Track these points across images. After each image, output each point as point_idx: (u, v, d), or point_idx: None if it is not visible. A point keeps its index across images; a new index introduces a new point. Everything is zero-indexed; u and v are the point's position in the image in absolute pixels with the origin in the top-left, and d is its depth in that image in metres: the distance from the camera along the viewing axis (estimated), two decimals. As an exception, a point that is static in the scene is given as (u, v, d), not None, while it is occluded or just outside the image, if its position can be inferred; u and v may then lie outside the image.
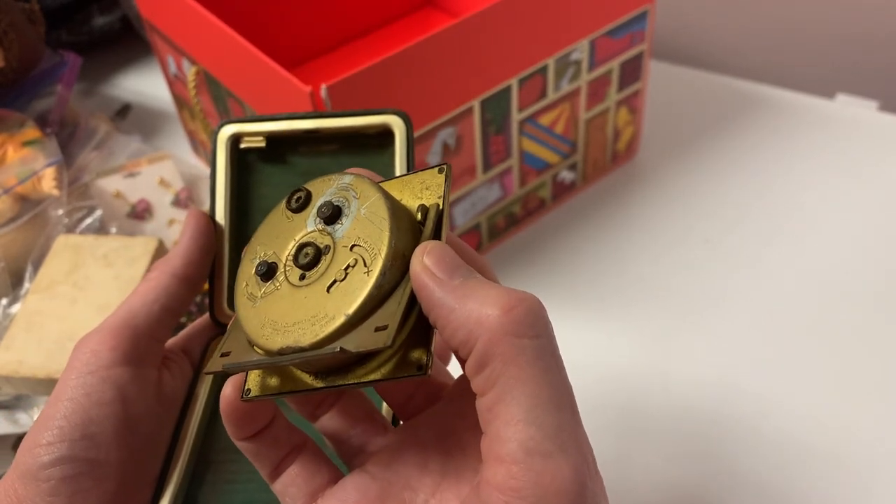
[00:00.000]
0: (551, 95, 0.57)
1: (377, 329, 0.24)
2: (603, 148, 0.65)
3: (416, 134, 0.51)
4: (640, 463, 0.48)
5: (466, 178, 0.56)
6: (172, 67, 0.64)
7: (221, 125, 0.35)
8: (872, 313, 0.55)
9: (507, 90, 0.54)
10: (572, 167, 0.64)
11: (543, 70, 0.55)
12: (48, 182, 0.63)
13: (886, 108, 0.73)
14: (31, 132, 0.66)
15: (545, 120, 0.58)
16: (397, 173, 0.34)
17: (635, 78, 0.63)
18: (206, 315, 0.36)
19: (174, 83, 0.67)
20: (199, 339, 0.36)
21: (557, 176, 0.63)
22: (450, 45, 0.48)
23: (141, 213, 0.64)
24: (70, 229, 0.62)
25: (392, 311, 0.24)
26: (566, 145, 0.62)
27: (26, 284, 0.58)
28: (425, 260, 0.25)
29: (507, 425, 0.23)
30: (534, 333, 0.23)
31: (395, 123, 0.35)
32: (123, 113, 0.79)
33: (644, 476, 0.47)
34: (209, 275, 0.35)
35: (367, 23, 0.75)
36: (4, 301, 0.58)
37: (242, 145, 0.36)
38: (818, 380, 0.52)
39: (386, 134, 0.35)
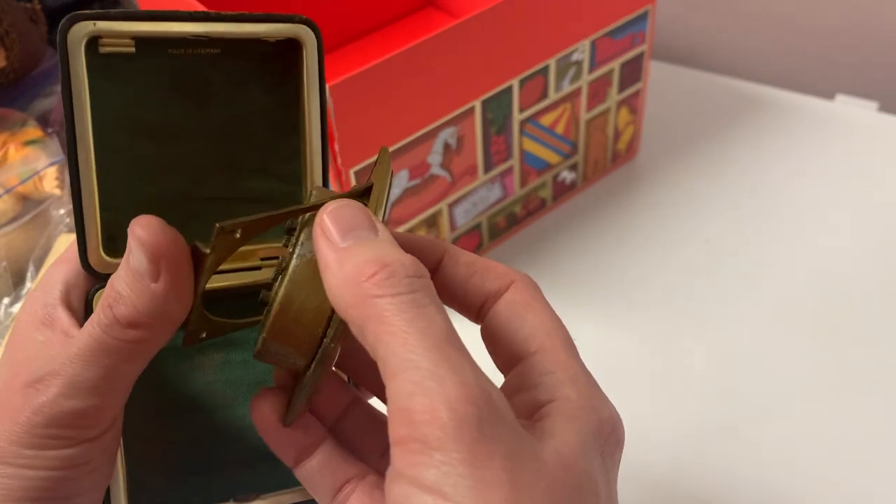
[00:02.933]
0: (552, 96, 0.57)
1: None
2: (603, 148, 0.65)
3: (418, 134, 0.51)
4: (639, 463, 0.48)
5: (467, 178, 0.56)
6: (174, 67, 0.64)
7: (70, 21, 0.27)
8: (873, 313, 0.56)
9: (509, 90, 0.54)
10: (573, 167, 0.64)
11: (544, 70, 0.55)
12: (50, 181, 0.63)
13: (886, 109, 0.73)
14: (33, 132, 0.66)
15: (546, 120, 0.59)
16: (305, 99, 0.30)
17: (636, 78, 0.63)
18: (76, 264, 0.30)
19: (175, 83, 0.67)
20: (78, 291, 0.29)
21: (558, 176, 0.63)
22: (451, 46, 0.49)
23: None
24: (72, 229, 0.63)
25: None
26: (567, 145, 0.62)
27: (28, 284, 0.58)
28: (324, 217, 0.24)
29: (391, 383, 0.21)
30: (392, 292, 0.22)
31: (305, 34, 0.30)
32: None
33: (644, 476, 0.48)
34: (75, 210, 0.29)
35: (368, 23, 0.75)
36: (6, 300, 0.58)
37: (103, 50, 0.28)
38: (818, 380, 0.52)
39: (289, 45, 0.30)
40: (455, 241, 0.59)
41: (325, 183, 0.31)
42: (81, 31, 0.27)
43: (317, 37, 0.30)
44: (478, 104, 0.53)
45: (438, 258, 0.28)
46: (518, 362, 0.26)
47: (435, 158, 0.53)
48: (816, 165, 0.67)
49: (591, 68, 0.59)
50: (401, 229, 0.54)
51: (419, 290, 0.22)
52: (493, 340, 0.27)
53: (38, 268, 0.59)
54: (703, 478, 0.47)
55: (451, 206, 0.57)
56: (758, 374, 0.52)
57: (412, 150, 0.51)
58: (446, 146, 0.53)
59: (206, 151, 0.30)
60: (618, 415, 0.26)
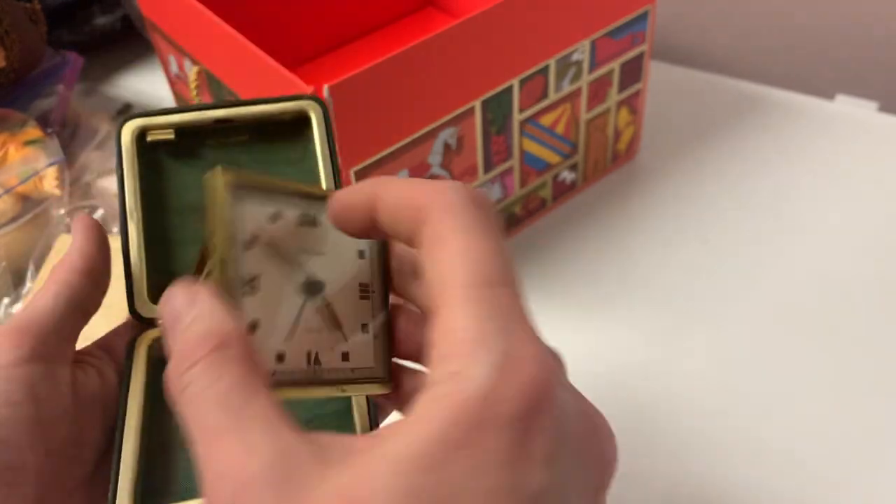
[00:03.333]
0: (552, 96, 0.57)
1: None
2: (603, 148, 0.65)
3: (418, 134, 0.51)
4: (639, 462, 0.48)
5: (467, 178, 0.56)
6: (174, 67, 0.64)
7: (125, 120, 0.34)
8: (872, 313, 0.56)
9: (509, 90, 0.54)
10: (573, 167, 0.64)
11: (544, 70, 0.55)
12: (50, 181, 0.63)
13: (886, 109, 0.73)
14: (33, 132, 0.66)
15: (546, 120, 0.58)
16: (319, 161, 0.34)
17: (636, 78, 0.63)
18: (127, 319, 0.34)
19: (176, 83, 0.67)
20: (121, 336, 0.34)
21: (558, 176, 0.63)
22: (451, 46, 0.49)
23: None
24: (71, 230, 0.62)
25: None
26: (567, 146, 0.62)
27: (28, 284, 0.58)
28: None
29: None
30: (182, 390, 0.22)
31: (312, 108, 0.34)
32: (125, 112, 0.79)
33: (644, 475, 0.48)
34: (125, 270, 0.34)
35: (368, 23, 0.75)
36: (6, 301, 0.58)
37: (150, 138, 0.34)
38: (818, 379, 0.52)
39: (302, 121, 0.34)
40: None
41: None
42: (133, 125, 0.33)
43: (323, 110, 0.34)
44: (478, 104, 0.53)
45: (371, 211, 0.25)
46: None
47: (435, 158, 0.53)
48: (816, 165, 0.67)
49: (591, 68, 0.59)
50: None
51: (197, 379, 0.21)
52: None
53: (37, 268, 0.59)
54: (703, 477, 0.47)
55: (451, 206, 0.57)
56: (758, 374, 0.52)
57: (412, 150, 0.51)
58: (446, 146, 0.53)
59: None
60: (534, 370, 0.20)
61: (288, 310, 0.28)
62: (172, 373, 0.22)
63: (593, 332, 0.56)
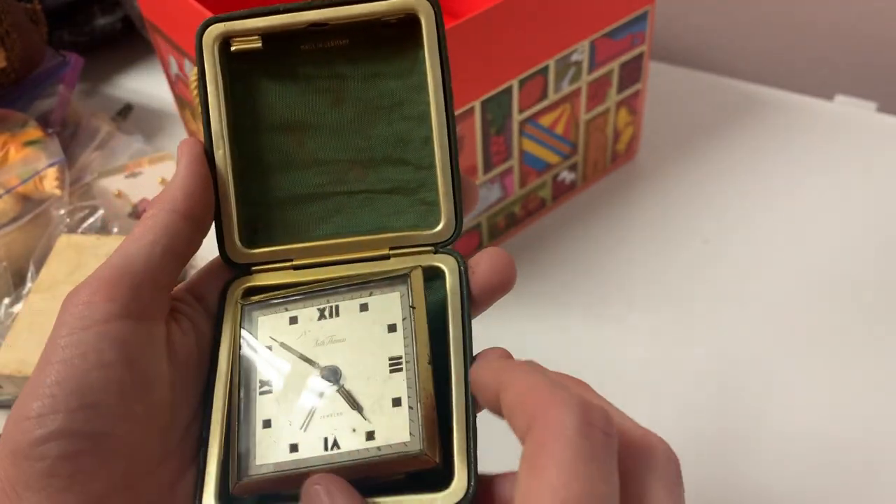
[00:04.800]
0: (552, 96, 0.57)
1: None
2: (603, 148, 0.66)
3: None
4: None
5: (467, 178, 0.56)
6: (174, 68, 0.65)
7: (205, 25, 0.29)
8: (873, 313, 0.56)
9: (508, 91, 0.54)
10: (572, 167, 0.64)
11: (544, 71, 0.55)
12: (50, 182, 0.63)
13: (885, 110, 0.73)
14: (33, 132, 0.66)
15: (546, 121, 0.59)
16: (428, 73, 0.30)
17: (635, 79, 0.63)
18: (217, 256, 0.31)
19: (176, 83, 0.67)
20: (213, 281, 0.31)
21: (557, 176, 0.63)
22: (451, 46, 0.48)
23: (142, 213, 0.64)
24: (72, 229, 0.63)
25: None
26: (566, 146, 0.62)
27: (28, 284, 0.59)
28: None
29: None
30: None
31: (422, 9, 0.29)
32: (125, 113, 0.79)
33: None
34: (215, 209, 0.30)
35: (367, 23, 0.75)
36: (7, 301, 0.58)
37: (234, 48, 0.30)
38: (818, 379, 0.52)
39: (410, 23, 0.30)
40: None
41: (455, 165, 0.30)
42: (213, 32, 0.29)
43: (435, 11, 0.30)
44: (477, 104, 0.53)
45: (496, 395, 0.25)
46: None
47: (435, 159, 0.53)
48: (816, 165, 0.67)
49: (591, 69, 0.59)
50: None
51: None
52: None
53: (38, 268, 0.59)
54: (703, 477, 0.47)
55: (451, 206, 0.57)
56: (757, 374, 0.52)
57: (412, 151, 0.51)
58: (446, 146, 0.53)
59: (343, 145, 0.31)
60: None
61: (303, 402, 0.27)
62: None
63: (593, 330, 0.56)
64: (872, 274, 0.58)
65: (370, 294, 0.29)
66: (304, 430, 0.27)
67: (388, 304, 0.29)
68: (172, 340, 0.28)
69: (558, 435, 0.21)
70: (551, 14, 0.53)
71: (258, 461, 0.27)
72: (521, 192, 0.61)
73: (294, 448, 0.27)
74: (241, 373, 0.28)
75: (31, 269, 0.59)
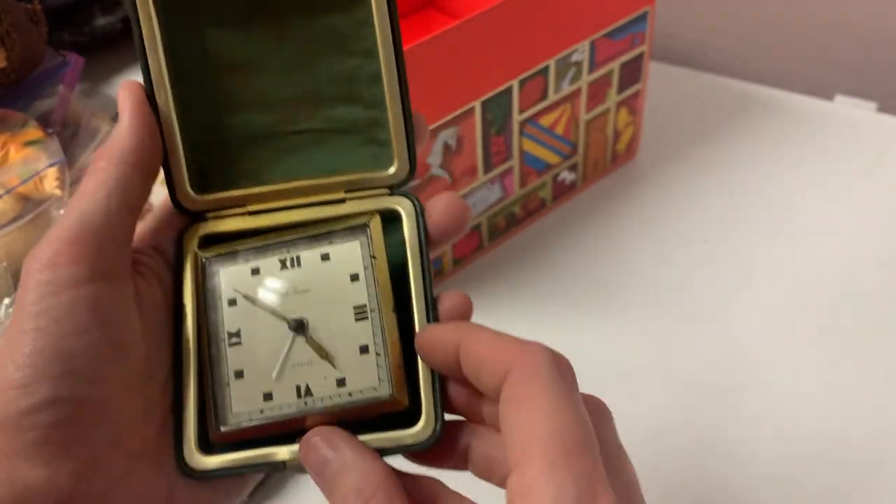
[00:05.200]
0: (552, 96, 0.58)
1: None
2: (603, 149, 0.66)
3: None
4: (639, 462, 0.48)
5: (467, 178, 0.56)
6: (174, 68, 0.65)
7: None
8: (872, 313, 0.56)
9: (508, 91, 0.54)
10: (572, 168, 0.64)
11: (544, 71, 0.55)
12: (50, 182, 0.63)
13: (885, 110, 0.74)
14: (34, 132, 0.66)
15: (546, 121, 0.59)
16: (372, 6, 0.29)
17: (635, 79, 0.63)
18: (167, 202, 0.31)
19: (176, 83, 0.67)
20: (167, 230, 0.30)
21: (558, 176, 0.64)
22: (451, 47, 0.49)
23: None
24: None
25: None
26: (566, 146, 0.62)
27: (28, 284, 0.58)
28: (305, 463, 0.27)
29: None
30: None
31: None
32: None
33: (644, 475, 0.48)
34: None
35: (368, 23, 0.75)
36: (7, 301, 0.58)
37: None
38: (818, 379, 0.52)
39: None
40: (455, 241, 0.59)
41: (406, 104, 0.30)
42: None
43: None
44: (477, 105, 0.53)
45: (456, 354, 0.26)
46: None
47: (434, 159, 0.53)
48: (816, 166, 0.67)
49: (591, 69, 0.59)
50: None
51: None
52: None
53: (38, 268, 0.59)
54: (703, 477, 0.47)
55: (451, 206, 0.57)
56: (757, 374, 0.52)
57: (412, 151, 0.51)
58: (446, 147, 0.53)
59: (289, 83, 0.30)
60: None
61: (273, 352, 0.28)
62: None
63: (593, 331, 0.56)
64: (872, 274, 0.58)
65: (330, 244, 0.29)
66: (277, 380, 0.28)
67: (350, 254, 0.29)
68: (141, 295, 0.28)
69: (539, 373, 0.23)
70: (551, 14, 0.53)
71: (235, 410, 0.28)
72: (521, 193, 0.61)
73: (268, 396, 0.28)
74: (209, 325, 0.29)
75: (32, 269, 0.59)
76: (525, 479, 0.22)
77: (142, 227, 0.30)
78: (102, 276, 0.26)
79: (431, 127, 0.51)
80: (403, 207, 0.30)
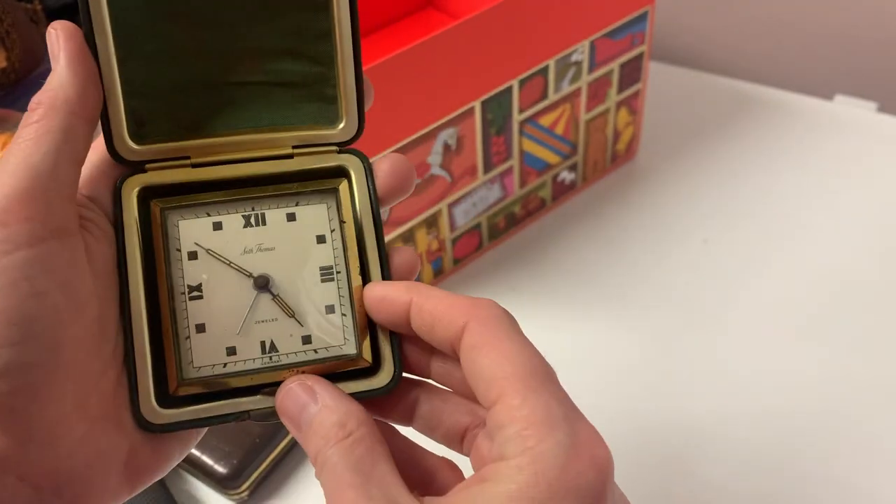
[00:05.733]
0: (552, 96, 0.58)
1: None
2: (603, 148, 0.66)
3: (418, 134, 0.51)
4: (639, 461, 0.48)
5: (467, 178, 0.56)
6: (174, 68, 0.65)
7: None
8: (872, 313, 0.56)
9: (508, 91, 0.54)
10: (572, 168, 0.64)
11: (544, 71, 0.55)
12: (50, 182, 0.63)
13: (885, 110, 0.74)
14: (34, 132, 0.66)
15: (546, 121, 0.59)
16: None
17: (635, 79, 0.63)
18: (101, 151, 0.29)
19: (176, 83, 0.67)
20: (103, 180, 0.29)
21: (557, 176, 0.64)
22: (451, 47, 0.49)
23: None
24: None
25: None
26: (566, 146, 0.62)
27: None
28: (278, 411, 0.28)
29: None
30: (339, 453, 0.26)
31: None
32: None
33: (644, 475, 0.48)
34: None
35: (368, 24, 0.75)
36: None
37: None
38: (817, 379, 0.52)
39: None
40: (455, 241, 0.59)
41: (357, 62, 0.30)
42: None
43: None
44: (477, 104, 0.53)
45: (406, 311, 0.28)
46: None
47: (435, 159, 0.53)
48: (816, 165, 0.67)
49: (591, 69, 0.59)
50: (401, 230, 0.54)
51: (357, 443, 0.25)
52: (471, 395, 0.27)
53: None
54: (702, 477, 0.47)
55: (451, 206, 0.57)
56: (757, 374, 0.52)
57: (412, 151, 0.51)
58: (446, 146, 0.53)
59: (234, 35, 0.30)
60: (601, 452, 0.24)
61: (237, 307, 0.29)
62: (313, 456, 0.26)
63: (593, 331, 0.56)
64: (872, 273, 0.58)
65: (297, 204, 0.30)
66: (240, 335, 0.28)
67: (316, 216, 0.30)
68: (91, 251, 0.27)
69: (499, 320, 0.26)
70: (551, 14, 0.53)
71: (196, 363, 0.28)
72: (521, 192, 0.61)
73: (232, 351, 0.28)
74: (169, 279, 0.28)
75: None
76: (511, 406, 0.24)
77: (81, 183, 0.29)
78: (54, 234, 0.25)
79: (431, 127, 0.51)
80: (352, 166, 0.30)
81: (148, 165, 0.29)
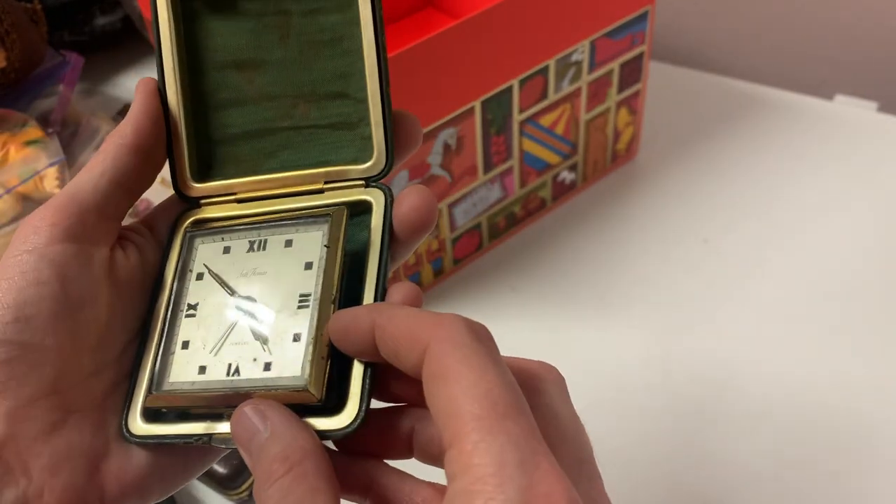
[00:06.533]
0: (552, 96, 0.58)
1: None
2: (603, 148, 0.66)
3: (418, 134, 0.51)
4: (639, 461, 0.48)
5: (467, 178, 0.56)
6: (174, 68, 0.65)
7: None
8: (872, 313, 0.56)
9: (509, 91, 0.54)
10: (572, 167, 0.64)
11: (544, 71, 0.55)
12: (50, 181, 0.63)
13: (885, 109, 0.74)
14: (34, 132, 0.66)
15: (546, 121, 0.59)
16: (360, 5, 0.31)
17: (635, 79, 0.63)
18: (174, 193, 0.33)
19: (176, 83, 0.67)
20: (166, 213, 0.33)
21: (558, 176, 0.64)
22: (451, 46, 0.49)
23: (142, 212, 0.64)
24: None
25: None
26: (566, 146, 0.62)
27: (28, 284, 0.58)
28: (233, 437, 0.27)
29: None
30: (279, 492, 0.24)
31: None
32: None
33: (642, 474, 0.48)
34: (167, 145, 0.32)
35: (368, 23, 0.75)
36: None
37: None
38: (817, 379, 0.52)
39: None
40: (455, 241, 0.59)
41: (386, 100, 0.31)
42: None
43: None
44: (477, 104, 0.53)
45: (371, 337, 0.26)
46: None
47: (435, 159, 0.53)
48: (816, 165, 0.67)
49: (591, 69, 0.59)
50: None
51: (298, 475, 0.24)
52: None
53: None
54: (702, 477, 0.47)
55: (451, 206, 0.57)
56: (757, 374, 0.52)
57: (412, 151, 0.51)
58: (446, 146, 0.53)
59: (290, 80, 0.32)
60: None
61: (219, 328, 0.29)
62: (256, 490, 0.25)
63: (593, 331, 0.56)
64: (873, 273, 0.58)
65: (296, 231, 0.30)
66: (214, 355, 0.29)
67: (311, 242, 0.30)
68: (115, 264, 0.30)
69: (457, 344, 0.23)
70: (551, 14, 0.53)
71: (171, 378, 0.29)
72: (521, 192, 0.61)
73: (202, 370, 0.29)
74: (174, 296, 0.30)
75: (32, 268, 0.59)
76: (463, 452, 0.21)
77: (147, 213, 0.33)
78: (74, 239, 0.28)
79: (431, 127, 0.51)
80: (375, 198, 0.31)
81: (203, 201, 0.32)
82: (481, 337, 0.23)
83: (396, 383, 0.28)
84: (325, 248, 0.29)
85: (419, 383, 0.25)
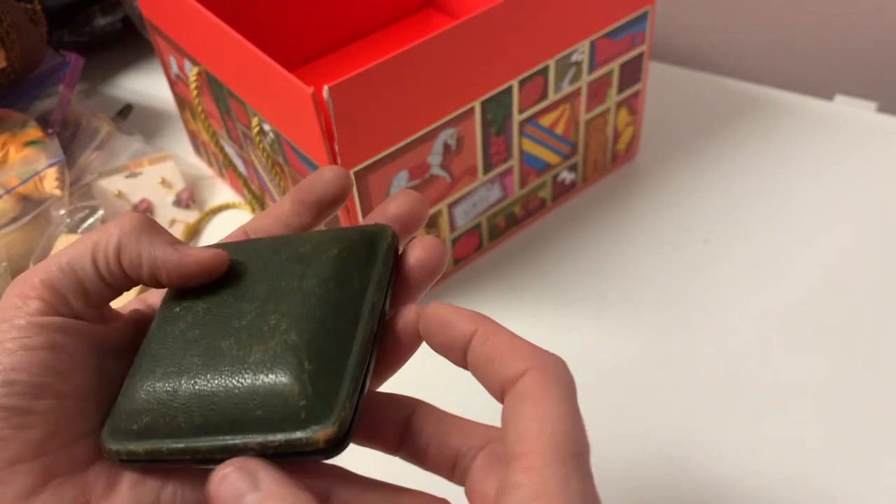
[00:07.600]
0: (552, 96, 0.58)
1: None
2: (603, 149, 0.66)
3: (418, 134, 0.51)
4: (639, 462, 0.48)
5: (467, 178, 0.56)
6: (174, 68, 0.65)
7: None
8: (873, 313, 0.56)
9: (508, 91, 0.54)
10: (572, 168, 0.64)
11: (544, 71, 0.55)
12: (50, 182, 0.63)
13: (885, 110, 0.74)
14: (33, 132, 0.66)
15: (546, 121, 0.59)
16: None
17: (635, 79, 0.63)
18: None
19: (176, 84, 0.67)
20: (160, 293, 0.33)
21: (557, 176, 0.64)
22: (451, 47, 0.49)
23: (142, 213, 0.64)
24: (72, 229, 0.63)
25: None
26: (566, 146, 0.62)
27: (28, 284, 0.58)
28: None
29: None
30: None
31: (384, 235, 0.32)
32: (125, 113, 0.79)
33: (642, 475, 0.48)
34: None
35: (368, 24, 0.76)
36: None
37: None
38: (818, 380, 0.52)
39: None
40: (455, 242, 0.59)
41: (356, 369, 0.29)
42: None
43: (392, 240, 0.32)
44: (477, 105, 0.53)
45: (467, 340, 0.28)
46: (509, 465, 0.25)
47: (435, 159, 0.53)
48: (816, 166, 0.67)
49: (591, 69, 0.59)
50: (401, 230, 0.54)
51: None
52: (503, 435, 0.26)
53: (38, 268, 0.59)
54: (702, 477, 0.47)
55: (451, 206, 0.57)
56: (757, 375, 0.52)
57: (412, 151, 0.51)
58: (446, 147, 0.53)
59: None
60: None
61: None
62: None
63: (593, 331, 0.56)
64: (873, 273, 0.58)
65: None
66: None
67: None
68: (105, 332, 0.30)
69: (558, 379, 0.26)
70: (551, 14, 0.53)
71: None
72: (521, 193, 0.61)
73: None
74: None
75: (31, 269, 0.59)
76: (532, 467, 0.24)
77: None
78: (60, 313, 0.29)
79: (431, 127, 0.51)
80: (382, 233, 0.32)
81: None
82: (573, 385, 0.26)
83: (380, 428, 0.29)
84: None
85: (400, 431, 0.29)
